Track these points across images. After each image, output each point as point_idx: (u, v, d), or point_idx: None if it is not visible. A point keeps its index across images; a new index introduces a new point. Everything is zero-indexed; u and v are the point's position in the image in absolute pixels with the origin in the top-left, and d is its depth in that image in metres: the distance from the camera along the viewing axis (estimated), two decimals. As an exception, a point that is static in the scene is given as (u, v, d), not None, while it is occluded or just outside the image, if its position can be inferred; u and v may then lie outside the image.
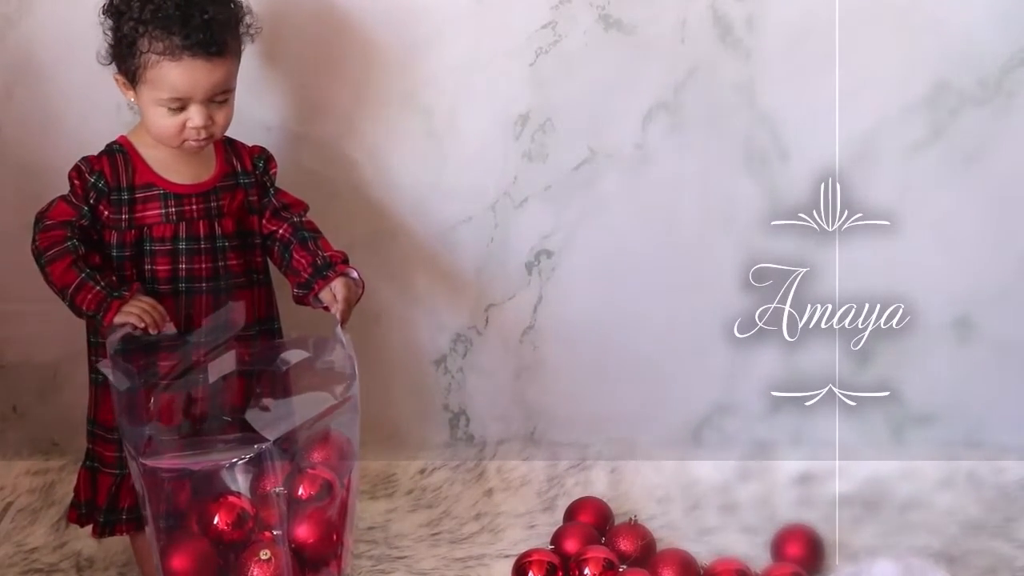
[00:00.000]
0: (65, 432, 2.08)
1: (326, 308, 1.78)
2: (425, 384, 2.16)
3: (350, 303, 1.78)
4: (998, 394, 2.17)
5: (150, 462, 1.64)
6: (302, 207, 1.86)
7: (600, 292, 2.11)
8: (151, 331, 1.69)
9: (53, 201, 1.76)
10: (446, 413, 2.18)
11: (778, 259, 2.10)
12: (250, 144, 1.85)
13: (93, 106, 1.97)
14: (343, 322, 1.76)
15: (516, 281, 2.11)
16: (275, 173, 1.85)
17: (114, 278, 1.73)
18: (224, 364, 1.73)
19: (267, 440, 1.65)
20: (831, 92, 2.03)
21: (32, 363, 2.07)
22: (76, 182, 1.76)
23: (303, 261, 1.81)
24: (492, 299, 2.12)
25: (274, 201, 1.84)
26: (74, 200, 1.75)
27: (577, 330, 2.13)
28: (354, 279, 1.80)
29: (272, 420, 1.68)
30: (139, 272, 1.75)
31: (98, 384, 1.79)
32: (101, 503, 1.79)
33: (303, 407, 1.72)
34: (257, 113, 1.96)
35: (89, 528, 1.82)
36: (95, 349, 1.79)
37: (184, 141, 1.74)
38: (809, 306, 2.12)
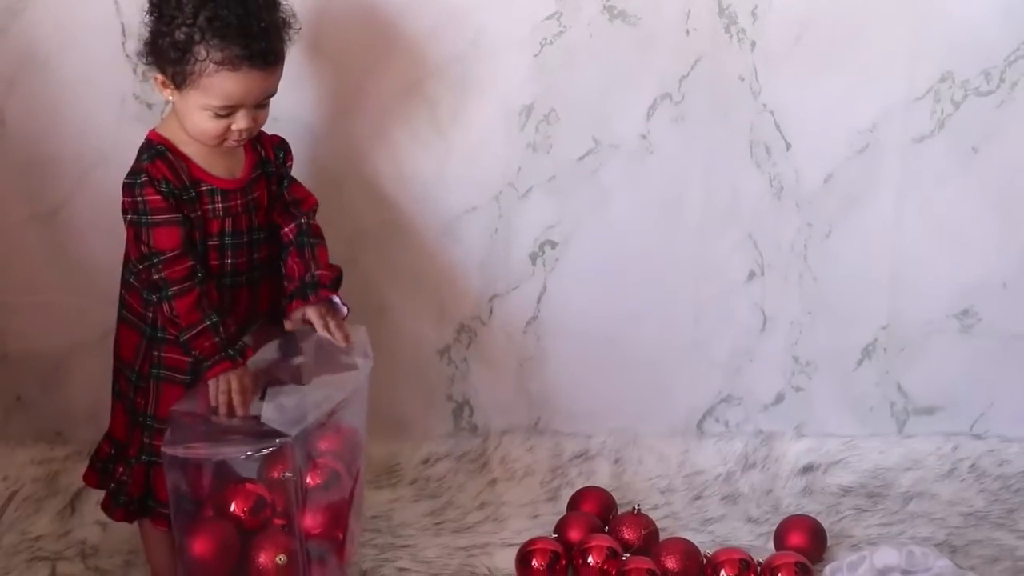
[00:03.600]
0: (69, 421, 2.08)
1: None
2: (429, 374, 2.16)
3: (327, 328, 1.76)
4: (1001, 385, 2.17)
5: (170, 450, 1.63)
6: (312, 202, 1.85)
7: (604, 282, 2.11)
8: (218, 415, 1.68)
9: (146, 232, 1.68)
10: (450, 403, 2.18)
11: (781, 248, 2.11)
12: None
13: (97, 97, 1.96)
14: (346, 338, 1.76)
15: (520, 272, 2.11)
16: (291, 165, 1.84)
17: (233, 329, 1.71)
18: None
19: (287, 434, 1.65)
20: (835, 83, 2.03)
21: (36, 353, 2.06)
22: (154, 197, 1.69)
23: (295, 269, 1.80)
24: (496, 290, 2.12)
25: (286, 195, 1.83)
26: (166, 216, 1.69)
27: (581, 321, 2.13)
28: (334, 308, 1.78)
29: (291, 413, 1.67)
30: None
31: (159, 379, 1.75)
32: (164, 498, 1.75)
33: (319, 399, 1.72)
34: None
35: (94, 515, 1.83)
36: (159, 344, 1.74)
37: (224, 142, 1.72)
38: (813, 296, 2.13)
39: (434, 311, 2.13)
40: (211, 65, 1.65)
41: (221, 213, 1.74)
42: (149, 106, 1.96)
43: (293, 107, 1.99)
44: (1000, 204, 2.09)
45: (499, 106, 2.03)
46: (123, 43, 1.94)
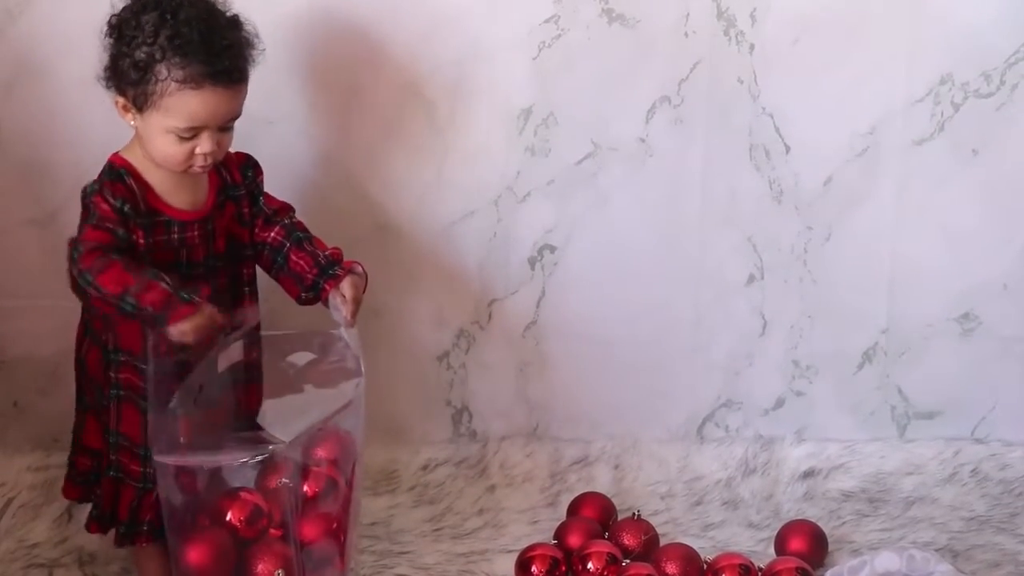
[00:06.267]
0: (66, 428, 2.05)
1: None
2: (428, 380, 2.15)
3: (359, 302, 1.78)
4: (1003, 389, 2.17)
5: (163, 459, 1.63)
6: (290, 210, 1.84)
7: (603, 287, 2.11)
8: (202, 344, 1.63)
9: (81, 229, 1.66)
10: (449, 409, 2.17)
11: (780, 251, 2.11)
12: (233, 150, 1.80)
13: (94, 102, 1.94)
14: (352, 321, 1.76)
15: (519, 276, 2.11)
16: (262, 180, 1.82)
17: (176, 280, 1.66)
18: (232, 353, 1.71)
19: (281, 441, 1.64)
20: (834, 86, 2.03)
21: (33, 359, 2.06)
22: (104, 206, 1.65)
23: (302, 263, 1.79)
24: (495, 294, 2.12)
25: (264, 209, 1.82)
26: (108, 224, 1.64)
27: (580, 325, 2.13)
28: (359, 274, 1.79)
29: (285, 420, 1.67)
30: None
31: (120, 400, 1.73)
32: (123, 516, 1.76)
33: (314, 406, 1.71)
34: (258, 108, 1.95)
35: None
36: (115, 366, 1.72)
37: (190, 167, 1.69)
38: (813, 300, 2.13)
39: (432, 316, 2.12)
40: (172, 84, 1.62)
41: (176, 243, 1.71)
42: (146, 110, 1.96)
43: (289, 112, 1.99)
44: (1000, 206, 2.09)
45: (497, 110, 2.03)
46: (119, 47, 1.94)
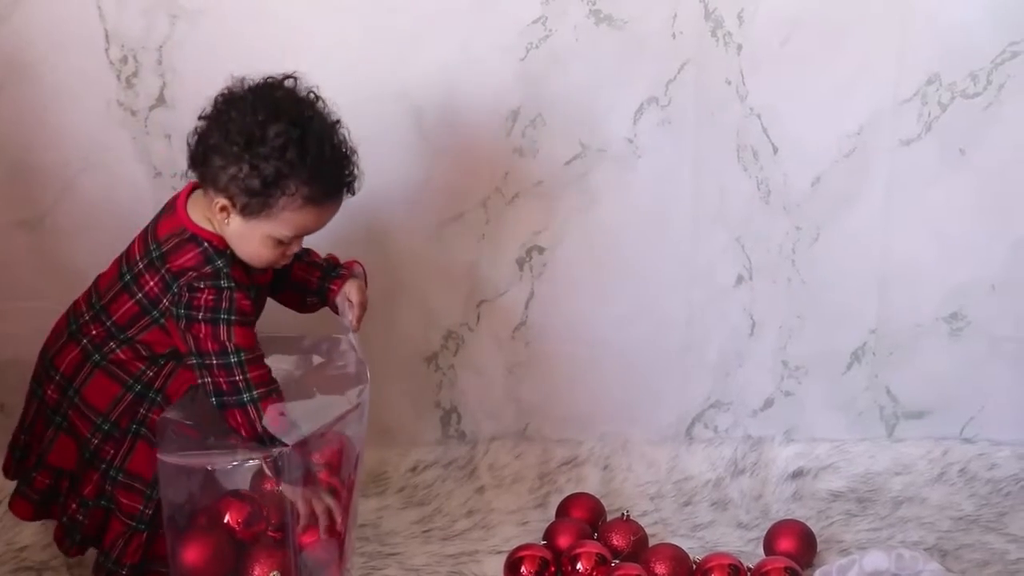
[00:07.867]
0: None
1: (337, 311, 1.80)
2: (417, 381, 2.15)
3: (365, 306, 1.79)
4: (991, 388, 2.17)
5: (167, 458, 1.62)
6: None
7: (592, 287, 2.11)
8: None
9: (225, 329, 1.64)
10: (438, 410, 2.17)
11: (769, 252, 2.11)
12: None
13: (84, 103, 1.96)
14: (357, 326, 1.77)
15: (507, 277, 2.11)
16: None
17: None
18: None
19: (283, 444, 1.64)
20: (822, 86, 2.03)
21: (20, 361, 2.03)
22: (245, 303, 1.65)
23: (302, 272, 1.81)
24: (483, 295, 2.12)
25: None
26: (250, 318, 1.66)
27: (569, 326, 2.13)
28: (359, 275, 1.81)
29: (290, 424, 1.66)
30: None
31: (139, 436, 1.72)
32: (107, 546, 1.75)
33: (319, 411, 1.71)
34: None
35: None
36: (149, 405, 1.71)
37: (272, 264, 1.70)
38: (802, 300, 2.13)
39: (421, 317, 2.12)
40: (299, 200, 1.62)
41: (255, 306, 1.72)
42: (133, 113, 1.96)
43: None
44: (988, 206, 2.08)
45: (485, 111, 2.03)
46: (106, 50, 1.94)
